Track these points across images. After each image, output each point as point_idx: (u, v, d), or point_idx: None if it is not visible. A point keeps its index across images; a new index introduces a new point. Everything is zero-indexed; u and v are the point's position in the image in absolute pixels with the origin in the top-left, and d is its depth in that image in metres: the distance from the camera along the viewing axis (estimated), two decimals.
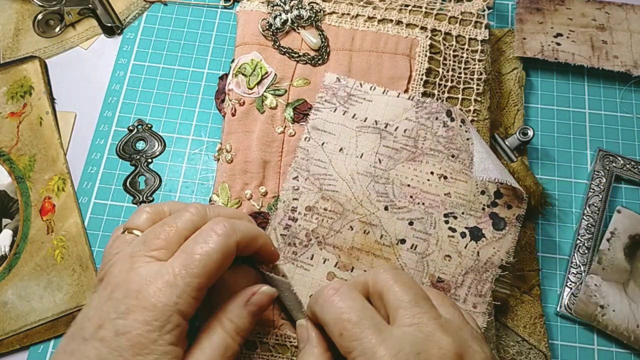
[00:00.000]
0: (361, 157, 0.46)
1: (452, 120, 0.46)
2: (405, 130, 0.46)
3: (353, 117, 0.47)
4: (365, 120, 0.47)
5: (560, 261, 0.48)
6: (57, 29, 0.57)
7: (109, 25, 0.57)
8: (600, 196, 0.49)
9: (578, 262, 0.47)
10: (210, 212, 0.37)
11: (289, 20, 0.51)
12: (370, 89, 0.48)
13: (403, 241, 0.44)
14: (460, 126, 0.46)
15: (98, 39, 0.57)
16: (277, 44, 0.50)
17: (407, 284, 0.34)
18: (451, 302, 0.36)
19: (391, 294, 0.34)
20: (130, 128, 0.53)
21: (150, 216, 0.37)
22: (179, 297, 0.32)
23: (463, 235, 0.44)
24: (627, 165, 0.50)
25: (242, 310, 0.36)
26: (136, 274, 0.33)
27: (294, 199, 0.45)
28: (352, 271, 0.43)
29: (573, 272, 0.47)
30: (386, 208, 0.44)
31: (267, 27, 0.51)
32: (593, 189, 0.49)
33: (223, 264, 0.34)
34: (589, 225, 0.48)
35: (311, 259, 0.43)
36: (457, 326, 0.33)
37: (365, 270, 0.43)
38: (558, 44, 0.54)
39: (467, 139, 0.46)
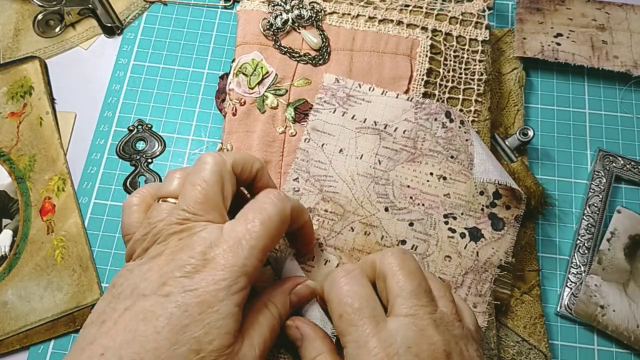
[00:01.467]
0: (361, 158, 0.46)
1: (451, 121, 0.46)
2: (404, 131, 0.46)
3: (352, 118, 0.47)
4: (364, 121, 0.47)
5: (560, 261, 0.48)
6: (57, 29, 0.57)
7: (109, 25, 0.57)
8: (600, 196, 0.49)
9: (578, 263, 0.47)
10: (226, 157, 0.37)
11: (290, 20, 0.51)
12: (369, 89, 0.48)
13: (403, 242, 0.44)
14: (459, 127, 0.46)
15: (98, 39, 0.57)
16: (278, 44, 0.50)
17: (411, 273, 0.35)
18: (451, 296, 0.36)
19: (394, 280, 0.34)
20: (131, 128, 0.53)
21: (182, 181, 0.37)
22: (246, 259, 0.33)
23: (462, 235, 0.44)
24: (627, 166, 0.50)
25: (285, 298, 0.37)
26: (198, 236, 0.33)
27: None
28: None
29: (573, 273, 0.47)
30: (386, 209, 0.44)
31: (267, 26, 0.51)
32: (593, 189, 0.49)
33: (282, 227, 0.35)
34: (589, 225, 0.48)
35: (312, 260, 0.43)
36: (449, 322, 0.34)
37: None
38: (558, 44, 0.54)
39: (466, 140, 0.46)
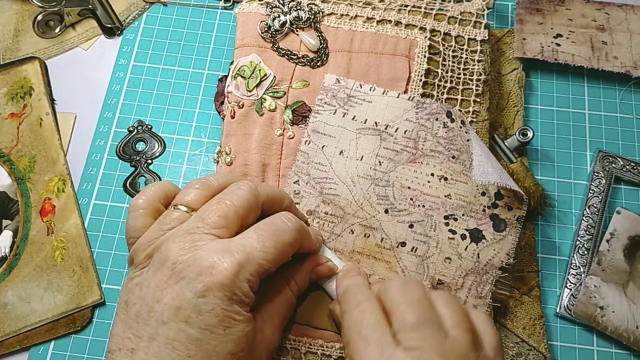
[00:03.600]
0: (361, 159, 0.46)
1: (452, 121, 0.46)
2: (405, 132, 0.46)
3: (353, 119, 0.47)
4: (365, 122, 0.47)
5: (560, 262, 0.48)
6: (57, 30, 0.57)
7: (109, 26, 0.57)
8: (600, 197, 0.49)
9: (577, 263, 0.47)
10: (261, 190, 0.38)
11: (288, 22, 0.51)
12: (370, 89, 0.48)
13: (403, 244, 0.44)
14: (460, 127, 0.46)
15: (98, 39, 0.57)
16: (276, 46, 0.50)
17: (413, 304, 0.34)
18: (467, 323, 0.34)
19: (397, 314, 0.34)
20: (130, 129, 0.53)
21: (200, 192, 0.37)
22: (251, 275, 0.33)
23: (463, 237, 0.44)
24: (627, 167, 0.50)
25: (306, 276, 0.39)
26: (204, 251, 0.33)
27: (295, 204, 0.45)
28: None
29: (572, 273, 0.47)
30: (386, 211, 0.44)
31: (265, 29, 0.51)
32: (593, 190, 0.49)
33: (290, 254, 0.36)
34: (589, 226, 0.48)
35: None
36: (461, 353, 0.33)
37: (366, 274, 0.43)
38: (558, 45, 0.54)
39: (467, 140, 0.46)
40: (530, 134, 0.49)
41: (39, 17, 0.57)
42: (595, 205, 0.49)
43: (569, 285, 0.46)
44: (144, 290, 0.33)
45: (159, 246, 0.35)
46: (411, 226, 0.44)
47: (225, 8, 0.58)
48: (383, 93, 0.47)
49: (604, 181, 0.50)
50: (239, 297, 0.33)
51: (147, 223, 0.37)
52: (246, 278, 0.33)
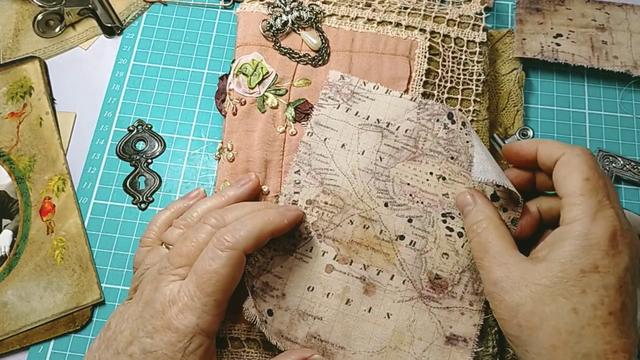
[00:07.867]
0: (362, 154, 0.46)
1: (453, 122, 0.46)
2: (406, 130, 0.47)
3: (356, 114, 0.47)
4: (367, 119, 0.47)
5: None
6: (57, 30, 0.57)
7: (109, 25, 0.57)
8: None
9: None
10: (228, 217, 0.39)
11: (289, 22, 0.51)
12: (374, 87, 0.48)
13: (402, 237, 0.44)
14: (461, 129, 0.46)
15: (98, 39, 0.57)
16: (278, 45, 0.50)
17: (587, 165, 0.36)
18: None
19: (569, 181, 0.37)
20: (130, 128, 0.53)
21: (182, 232, 0.40)
22: (198, 319, 0.34)
23: (460, 234, 0.44)
24: (627, 166, 0.50)
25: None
26: (161, 294, 0.35)
27: (295, 193, 0.45)
28: (350, 264, 0.43)
29: None
30: (386, 204, 0.44)
31: (267, 28, 0.51)
32: None
33: (234, 275, 0.36)
34: None
35: (310, 251, 0.43)
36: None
37: (364, 264, 0.43)
38: (558, 45, 0.54)
39: (467, 142, 0.46)
40: (530, 133, 0.49)
41: (39, 17, 0.57)
42: None
43: None
44: (118, 318, 0.36)
45: (140, 282, 0.38)
46: (410, 221, 0.44)
47: (225, 7, 0.58)
48: (386, 92, 0.48)
49: None
50: (184, 345, 0.34)
51: None
52: (194, 323, 0.34)
